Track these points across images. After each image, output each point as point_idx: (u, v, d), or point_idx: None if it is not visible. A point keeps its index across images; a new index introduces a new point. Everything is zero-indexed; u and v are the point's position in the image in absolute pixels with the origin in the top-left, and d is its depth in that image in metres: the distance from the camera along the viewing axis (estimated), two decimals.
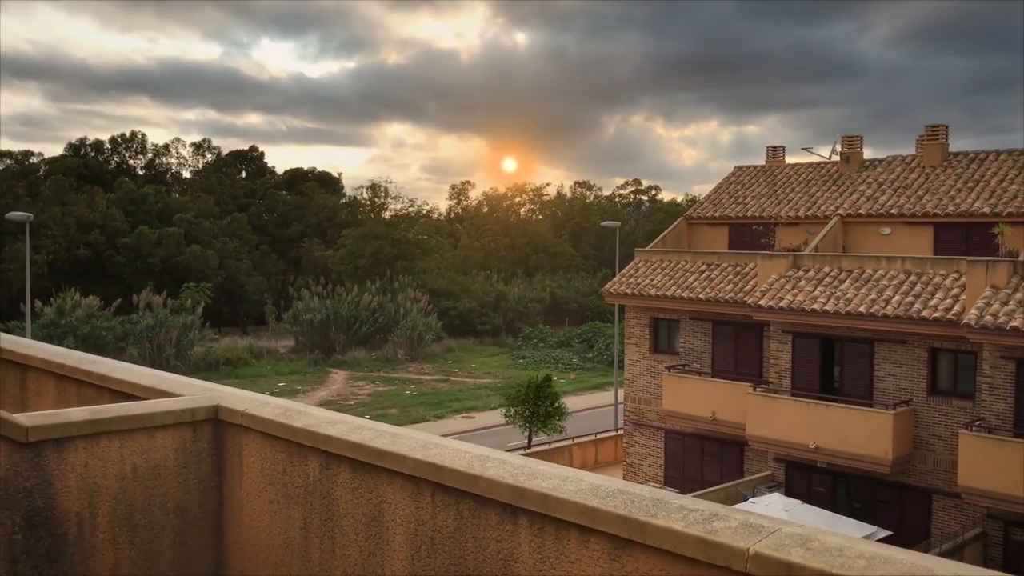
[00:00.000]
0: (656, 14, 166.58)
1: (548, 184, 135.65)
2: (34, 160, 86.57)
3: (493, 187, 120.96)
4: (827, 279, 23.14)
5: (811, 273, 23.54)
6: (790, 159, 31.87)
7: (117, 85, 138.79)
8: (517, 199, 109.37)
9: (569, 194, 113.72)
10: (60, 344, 51.76)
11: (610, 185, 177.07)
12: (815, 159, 31.20)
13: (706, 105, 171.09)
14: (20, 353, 5.08)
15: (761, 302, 23.17)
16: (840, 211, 26.36)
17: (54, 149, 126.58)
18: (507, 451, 25.78)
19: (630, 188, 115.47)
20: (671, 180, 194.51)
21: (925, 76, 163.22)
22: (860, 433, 21.55)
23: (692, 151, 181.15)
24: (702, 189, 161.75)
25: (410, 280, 74.45)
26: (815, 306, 22.34)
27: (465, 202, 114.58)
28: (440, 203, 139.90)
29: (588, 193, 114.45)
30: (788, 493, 23.63)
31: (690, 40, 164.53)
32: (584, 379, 58.40)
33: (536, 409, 33.25)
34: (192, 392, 4.40)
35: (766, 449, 24.06)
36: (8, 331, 51.98)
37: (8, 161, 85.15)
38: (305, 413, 3.96)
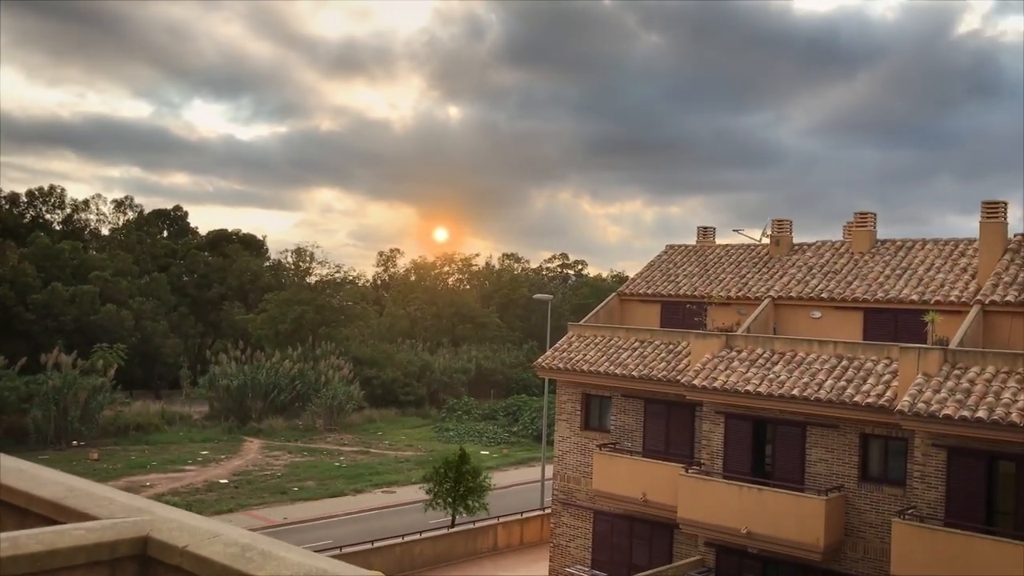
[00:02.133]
0: (586, 96, 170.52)
1: (477, 254, 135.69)
2: None
3: (422, 255, 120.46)
4: (760, 360, 23.05)
5: (744, 354, 23.45)
6: (718, 240, 32.18)
7: (39, 138, 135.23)
8: (445, 268, 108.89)
9: (497, 265, 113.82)
10: None
11: (538, 258, 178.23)
12: (745, 240, 31.57)
13: (631, 185, 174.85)
14: None
15: (695, 381, 22.92)
16: (771, 293, 26.49)
17: None
18: (429, 530, 24.69)
19: (557, 262, 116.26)
20: (597, 256, 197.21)
21: (839, 166, 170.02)
22: (792, 519, 21.23)
23: (617, 228, 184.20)
24: (627, 266, 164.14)
25: (333, 347, 72.87)
26: (748, 387, 22.16)
27: (392, 269, 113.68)
28: (367, 270, 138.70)
29: (516, 265, 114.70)
30: None
31: (617, 122, 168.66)
32: (510, 454, 57.43)
33: (457, 487, 32.19)
34: (112, 512, 2.96)
35: (697, 533, 23.54)
36: None
37: None
38: (271, 556, 2.69)
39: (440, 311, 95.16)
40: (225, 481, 45.76)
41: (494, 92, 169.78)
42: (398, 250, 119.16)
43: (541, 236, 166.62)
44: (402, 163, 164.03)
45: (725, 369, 23.04)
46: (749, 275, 28.04)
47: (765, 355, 23.14)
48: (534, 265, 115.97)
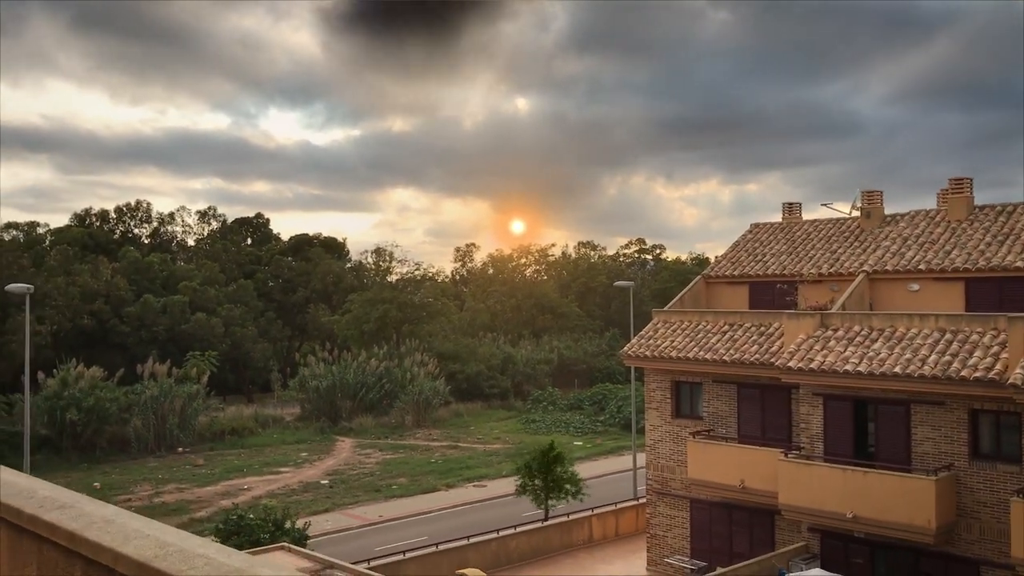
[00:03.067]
0: (654, 78, 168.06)
1: (553, 244, 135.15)
2: (40, 231, 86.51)
3: (498, 249, 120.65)
4: (858, 338, 22.23)
5: (840, 332, 22.65)
6: (805, 215, 31.21)
7: (125, 156, 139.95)
8: (522, 260, 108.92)
9: (573, 254, 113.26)
10: (63, 417, 50.80)
11: (614, 245, 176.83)
12: (833, 215, 30.52)
13: (706, 165, 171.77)
14: None
15: (790, 364, 22.24)
16: (865, 267, 25.56)
17: (62, 220, 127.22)
18: (523, 524, 24.56)
19: (634, 247, 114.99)
20: (674, 239, 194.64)
21: (922, 133, 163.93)
22: (900, 501, 20.44)
23: (693, 210, 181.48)
24: (706, 247, 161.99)
25: (416, 344, 73.52)
26: (847, 367, 21.39)
27: (470, 264, 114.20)
28: (445, 266, 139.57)
29: (592, 253, 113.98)
30: (824, 565, 22.44)
31: (688, 102, 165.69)
32: (598, 444, 57.05)
33: (548, 479, 32.06)
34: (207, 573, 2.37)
35: (800, 519, 22.88)
36: (10, 404, 50.99)
37: (14, 232, 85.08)
38: None
39: (519, 303, 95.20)
40: (320, 481, 46.54)
41: (562, 82, 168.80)
42: (474, 245, 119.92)
43: (616, 222, 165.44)
44: (474, 158, 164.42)
45: (821, 349, 22.29)
46: (840, 250, 27.12)
47: (863, 332, 22.31)
48: (611, 252, 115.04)
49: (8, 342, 61.93)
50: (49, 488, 3.18)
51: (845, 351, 21.95)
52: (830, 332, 22.84)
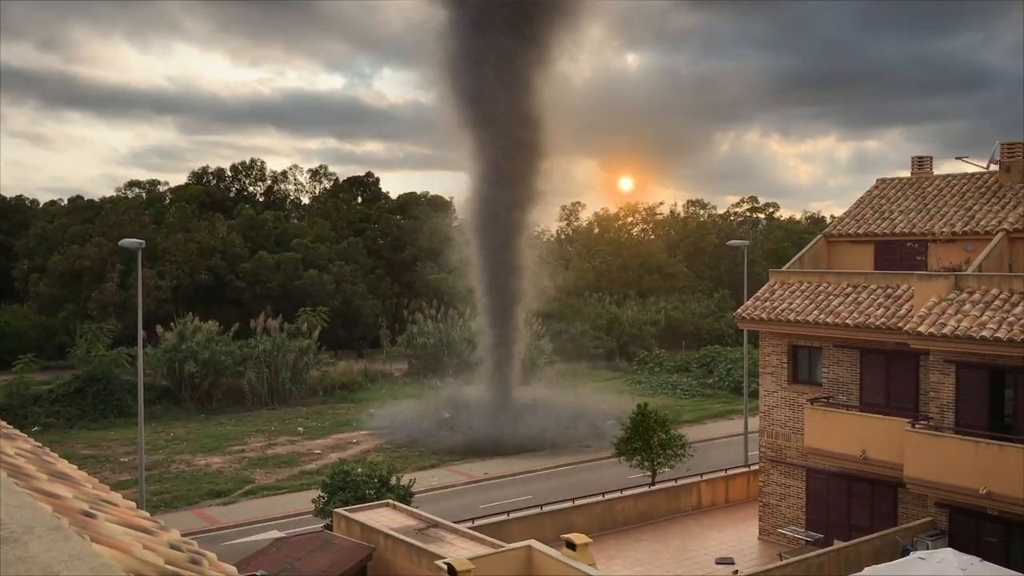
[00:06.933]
0: (772, 30, 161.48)
1: (661, 203, 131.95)
2: (160, 189, 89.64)
3: (604, 207, 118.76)
4: (996, 302, 20.55)
5: (976, 295, 20.99)
6: (935, 171, 29.14)
7: (244, 117, 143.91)
8: (629, 219, 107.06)
9: (682, 213, 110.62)
10: (181, 368, 52.65)
11: (724, 204, 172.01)
12: (968, 170, 28.37)
13: (824, 120, 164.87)
14: None
15: (920, 328, 20.73)
16: (1004, 225, 23.63)
17: (184, 179, 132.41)
18: (630, 488, 23.86)
19: (746, 206, 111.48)
20: (788, 197, 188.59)
21: None
22: None
23: (809, 167, 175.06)
24: (821, 206, 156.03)
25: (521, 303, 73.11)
26: (984, 333, 19.80)
27: (575, 223, 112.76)
28: (551, 225, 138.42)
29: (702, 212, 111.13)
30: (952, 543, 21.01)
31: (807, 55, 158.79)
32: (706, 407, 55.73)
33: (649, 443, 31.61)
34: None
35: (926, 492, 21.50)
36: (132, 356, 53.05)
37: (137, 190, 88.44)
38: None
39: (626, 263, 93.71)
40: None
41: (675, 35, 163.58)
42: (580, 203, 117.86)
43: (727, 180, 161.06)
44: (581, 116, 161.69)
45: (955, 313, 20.70)
46: (976, 207, 25.17)
47: (1002, 296, 20.60)
48: (721, 211, 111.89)
49: (133, 296, 64.49)
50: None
51: (982, 315, 20.32)
52: (965, 295, 21.19)
